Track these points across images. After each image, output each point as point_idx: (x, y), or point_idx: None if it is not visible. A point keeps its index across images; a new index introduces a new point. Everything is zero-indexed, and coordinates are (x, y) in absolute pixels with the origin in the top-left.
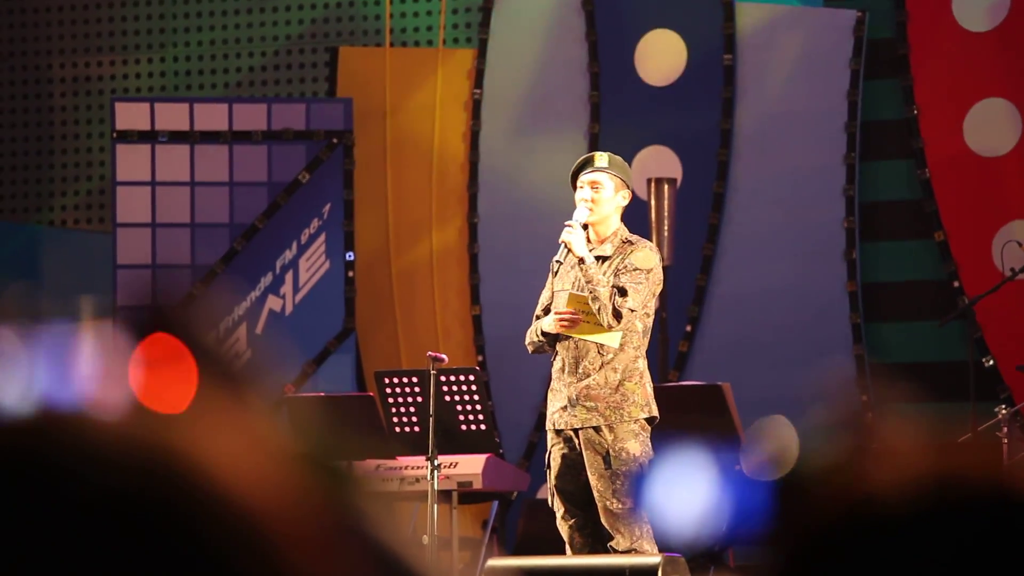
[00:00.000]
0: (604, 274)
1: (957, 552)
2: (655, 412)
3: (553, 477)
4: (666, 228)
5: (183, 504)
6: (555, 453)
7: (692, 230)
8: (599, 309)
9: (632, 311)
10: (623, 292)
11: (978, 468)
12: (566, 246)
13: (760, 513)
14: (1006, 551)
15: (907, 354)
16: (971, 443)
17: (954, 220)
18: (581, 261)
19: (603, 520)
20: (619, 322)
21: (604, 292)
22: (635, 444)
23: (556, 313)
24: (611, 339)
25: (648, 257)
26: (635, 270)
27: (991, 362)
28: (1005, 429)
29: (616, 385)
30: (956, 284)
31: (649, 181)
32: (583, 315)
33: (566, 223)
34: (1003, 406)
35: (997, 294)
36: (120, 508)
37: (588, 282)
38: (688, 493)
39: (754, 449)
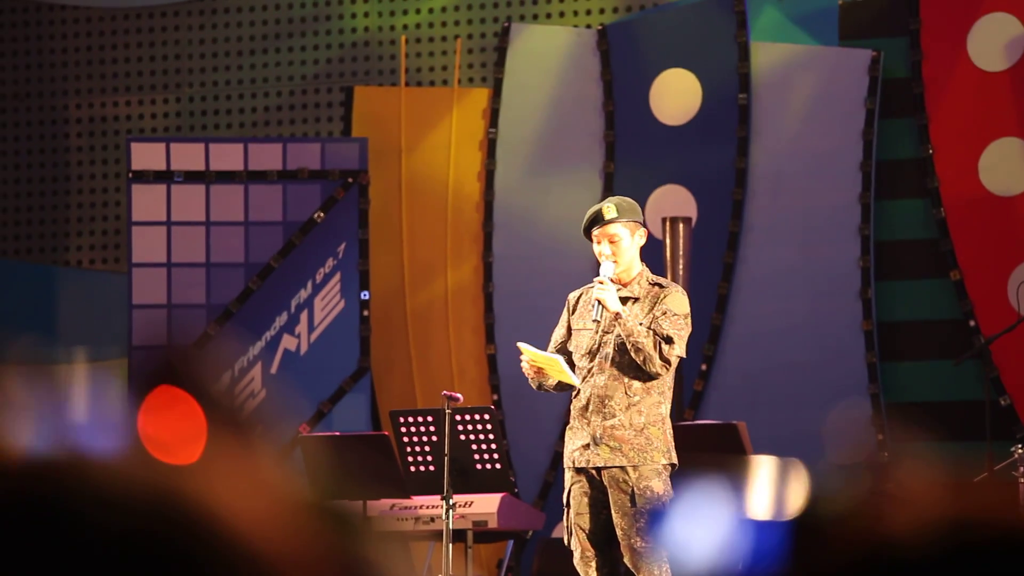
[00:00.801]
0: (637, 319)
1: None
2: (675, 460)
3: (572, 515)
4: (681, 267)
5: (187, 545)
6: (575, 491)
7: (707, 269)
8: (644, 360)
9: (680, 357)
10: (669, 340)
11: (995, 509)
12: (600, 303)
13: (776, 554)
14: None
15: (923, 393)
16: (987, 483)
17: (970, 259)
18: (617, 316)
19: (626, 559)
20: (668, 369)
21: (648, 343)
22: (659, 483)
23: (523, 367)
24: (571, 380)
25: (683, 302)
26: (675, 316)
27: (1007, 401)
28: (1022, 469)
29: (641, 428)
30: (972, 323)
31: (664, 220)
32: (541, 367)
33: (596, 279)
34: (1019, 445)
35: (1013, 333)
36: (125, 550)
37: (628, 336)
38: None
39: (766, 489)
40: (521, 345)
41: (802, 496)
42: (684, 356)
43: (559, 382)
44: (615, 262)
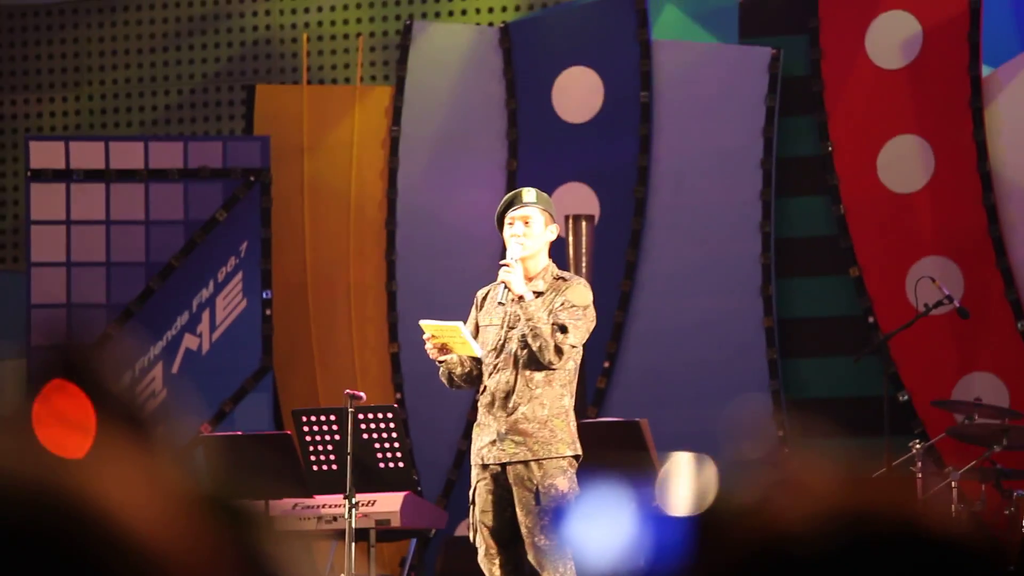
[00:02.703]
0: (539, 309)
1: None
2: (580, 451)
3: (477, 512)
4: (584, 264)
5: (76, 540)
6: (480, 489)
7: (609, 266)
8: (540, 347)
9: (573, 347)
10: (564, 329)
11: (893, 503)
12: (505, 285)
13: (678, 548)
14: None
15: (823, 389)
16: (886, 478)
17: (869, 256)
18: (520, 298)
19: (529, 556)
20: (560, 359)
21: (545, 329)
22: (563, 480)
23: (426, 348)
24: (471, 350)
25: (584, 294)
26: (573, 307)
27: (905, 397)
28: (919, 464)
29: (544, 420)
30: (871, 320)
31: (567, 218)
32: (443, 340)
33: (502, 262)
34: (917, 441)
35: (911, 329)
36: (12, 543)
37: (528, 320)
38: (608, 528)
39: (671, 485)
40: (423, 322)
41: (708, 491)
42: (577, 347)
43: (468, 372)
44: (522, 245)
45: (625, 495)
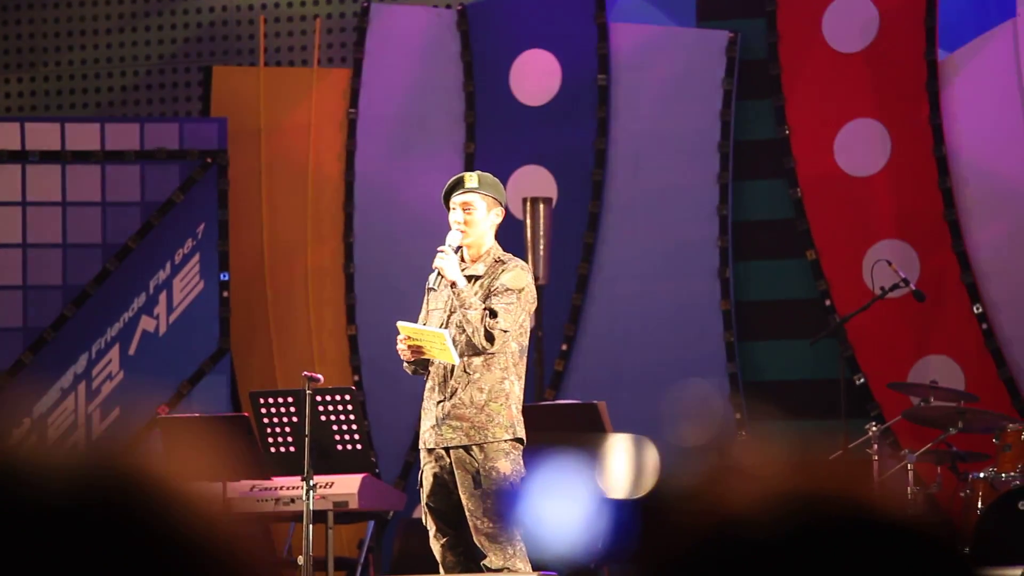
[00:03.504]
0: (476, 295)
1: (826, 571)
2: (520, 434)
3: (425, 496)
4: (542, 247)
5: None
6: (427, 472)
7: (567, 249)
8: (472, 332)
9: (504, 331)
10: (494, 314)
11: (848, 486)
12: (438, 271)
13: (628, 531)
14: (874, 569)
15: (780, 372)
16: (842, 461)
17: (826, 239)
18: (453, 285)
19: (475, 539)
20: (492, 344)
21: (475, 315)
22: (506, 463)
23: (398, 347)
24: (450, 357)
25: (519, 276)
26: (506, 291)
27: (862, 380)
28: (875, 446)
29: (481, 405)
30: (828, 303)
31: (524, 200)
32: (419, 343)
33: (439, 248)
34: (874, 423)
35: (868, 312)
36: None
37: (460, 305)
38: (563, 511)
39: (613, 467)
40: (401, 324)
41: (653, 473)
42: (509, 330)
43: (425, 363)
44: (463, 232)
45: (577, 476)
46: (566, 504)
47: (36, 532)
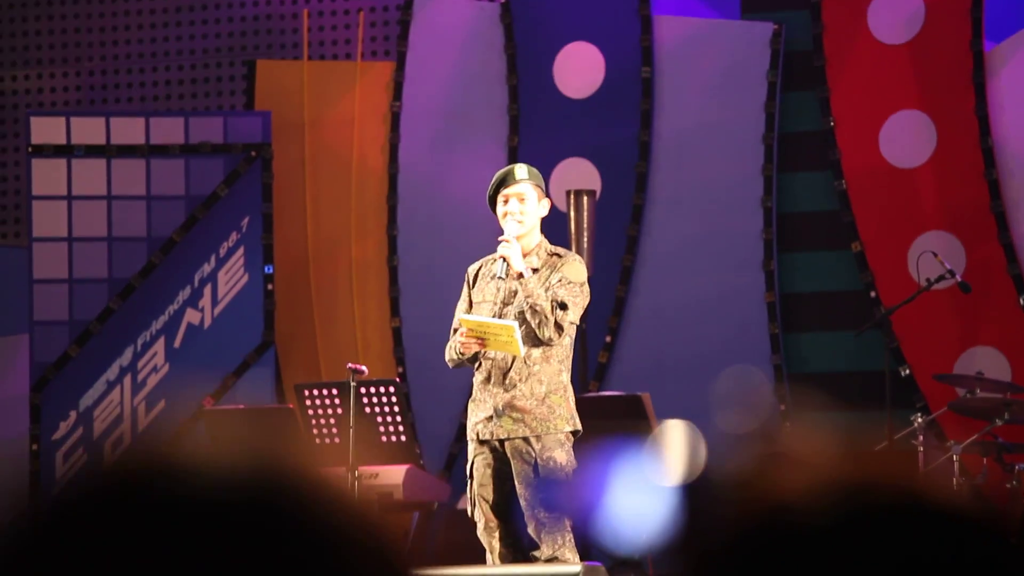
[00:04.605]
0: (536, 286)
1: (872, 560)
2: (579, 426)
3: (476, 486)
4: (585, 240)
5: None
6: (478, 463)
7: (611, 242)
8: (539, 324)
9: (572, 324)
10: (563, 306)
11: (894, 477)
12: (505, 261)
13: (677, 521)
14: (921, 559)
15: (824, 364)
16: (887, 452)
17: (871, 231)
18: (520, 276)
19: (529, 529)
20: (560, 336)
21: (545, 306)
22: (561, 453)
23: (459, 341)
24: (516, 350)
25: (580, 270)
26: (570, 283)
27: (907, 371)
28: (921, 437)
29: (542, 397)
30: (873, 294)
31: (568, 193)
32: (483, 336)
33: (502, 238)
34: (919, 415)
35: (913, 304)
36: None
37: (527, 296)
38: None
39: (662, 454)
40: (464, 318)
41: (702, 460)
42: (577, 323)
43: (475, 356)
44: (520, 222)
45: (625, 467)
46: (614, 496)
47: (201, 527)
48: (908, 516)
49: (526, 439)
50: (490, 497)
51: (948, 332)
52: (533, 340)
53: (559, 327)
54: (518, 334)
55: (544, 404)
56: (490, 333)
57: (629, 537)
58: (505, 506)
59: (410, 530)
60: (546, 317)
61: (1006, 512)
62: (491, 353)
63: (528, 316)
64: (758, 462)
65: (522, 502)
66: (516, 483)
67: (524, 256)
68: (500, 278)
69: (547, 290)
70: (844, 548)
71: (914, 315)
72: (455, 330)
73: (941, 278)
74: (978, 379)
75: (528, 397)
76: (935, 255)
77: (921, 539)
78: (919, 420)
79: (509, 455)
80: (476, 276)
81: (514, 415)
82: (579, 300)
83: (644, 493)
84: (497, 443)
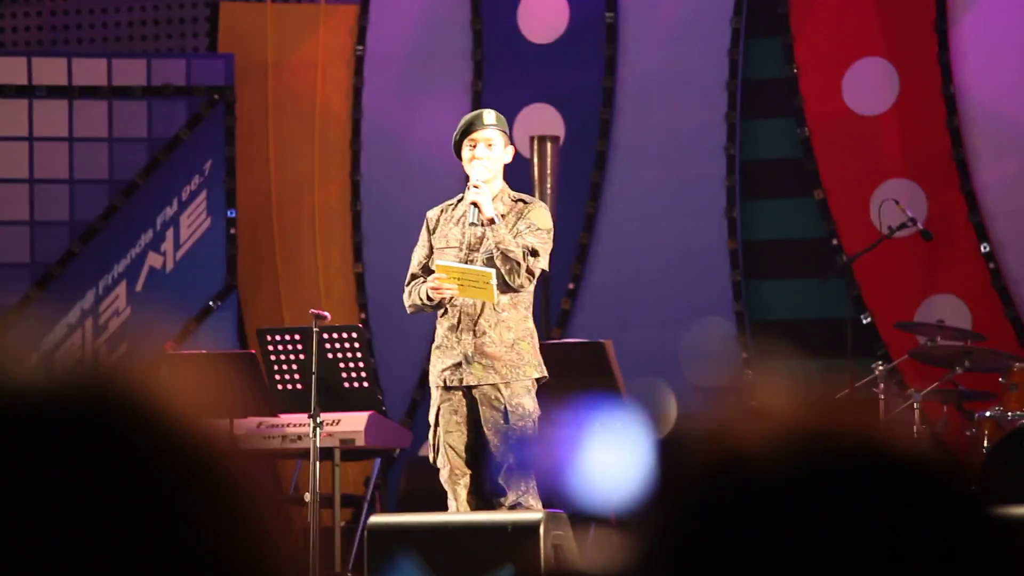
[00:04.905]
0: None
1: (832, 509)
2: (545, 373)
3: (441, 433)
4: (549, 186)
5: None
6: (444, 410)
7: (575, 188)
8: (510, 270)
9: (543, 270)
10: (534, 252)
11: (855, 425)
12: (476, 207)
13: (639, 473)
14: (880, 508)
15: (786, 312)
16: (848, 400)
17: (833, 178)
18: (491, 221)
19: (496, 475)
20: (531, 282)
21: (518, 252)
22: (529, 400)
23: (431, 287)
24: (491, 296)
25: (547, 217)
26: (538, 230)
27: (868, 319)
28: (882, 385)
29: (511, 344)
30: (835, 242)
31: (532, 139)
32: (460, 282)
33: (472, 184)
34: (880, 363)
35: (875, 252)
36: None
37: (499, 243)
38: (573, 450)
39: (636, 409)
40: (440, 263)
41: (670, 416)
42: (547, 270)
43: (440, 302)
44: (487, 168)
45: (589, 417)
46: (576, 444)
47: (21, 434)
48: (868, 464)
49: (495, 385)
50: (457, 444)
51: (909, 280)
52: (503, 286)
53: (530, 273)
54: (494, 280)
55: (513, 350)
56: (466, 279)
57: (594, 488)
58: (471, 453)
59: (371, 477)
60: (518, 263)
61: (966, 460)
62: (458, 300)
63: (499, 263)
64: (722, 413)
65: (491, 449)
66: (485, 430)
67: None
68: (471, 224)
69: (516, 236)
70: (804, 498)
71: (876, 263)
72: (413, 275)
73: (903, 226)
74: (939, 327)
75: (497, 344)
76: (897, 203)
77: (880, 487)
78: (880, 368)
79: (478, 401)
80: (437, 221)
81: (484, 362)
82: (547, 246)
83: (609, 447)
84: (464, 390)
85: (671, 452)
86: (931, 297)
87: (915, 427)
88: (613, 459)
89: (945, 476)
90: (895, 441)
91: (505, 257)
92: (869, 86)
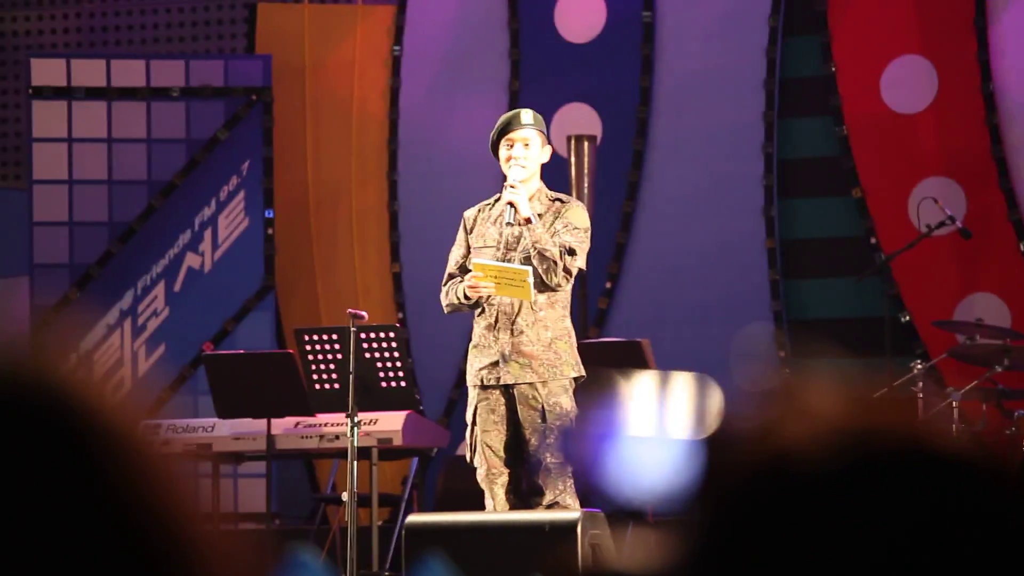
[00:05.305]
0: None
1: (874, 508)
2: (583, 372)
3: (479, 432)
4: (586, 185)
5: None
6: (481, 409)
7: (612, 187)
8: (547, 269)
9: (581, 269)
10: (571, 252)
11: (894, 423)
12: (512, 206)
13: (679, 470)
14: (921, 507)
15: (825, 310)
16: (887, 398)
17: (871, 177)
18: (528, 221)
19: (534, 474)
20: (568, 281)
21: (555, 251)
22: (567, 399)
23: (468, 285)
24: (527, 295)
25: (584, 216)
26: (576, 229)
27: (907, 318)
28: (921, 384)
29: (548, 343)
30: (873, 241)
31: (569, 138)
32: (497, 280)
33: (507, 183)
34: (918, 361)
35: (913, 250)
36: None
37: (536, 242)
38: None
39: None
40: (477, 262)
41: (713, 414)
42: (584, 269)
43: (477, 301)
44: (524, 167)
45: (628, 414)
46: (614, 443)
47: None
48: (909, 464)
49: (532, 384)
50: (494, 443)
51: (948, 278)
52: (540, 285)
53: (568, 272)
54: (531, 279)
55: (551, 349)
56: (503, 278)
57: (631, 485)
58: (508, 453)
59: (409, 476)
60: (555, 263)
61: (1006, 459)
62: (495, 299)
63: (536, 262)
64: (764, 412)
65: (529, 448)
66: (522, 428)
67: (528, 200)
68: (508, 224)
69: (552, 236)
70: (846, 498)
71: (914, 261)
72: (450, 275)
73: (942, 224)
74: (978, 326)
75: (535, 343)
76: (936, 201)
77: (922, 487)
78: (919, 367)
79: (515, 400)
80: (475, 221)
81: (521, 360)
82: (585, 246)
83: (647, 445)
84: (501, 389)
85: (713, 450)
86: (970, 295)
87: (954, 426)
88: (651, 457)
89: (984, 475)
90: (935, 440)
91: (542, 256)
92: (907, 84)
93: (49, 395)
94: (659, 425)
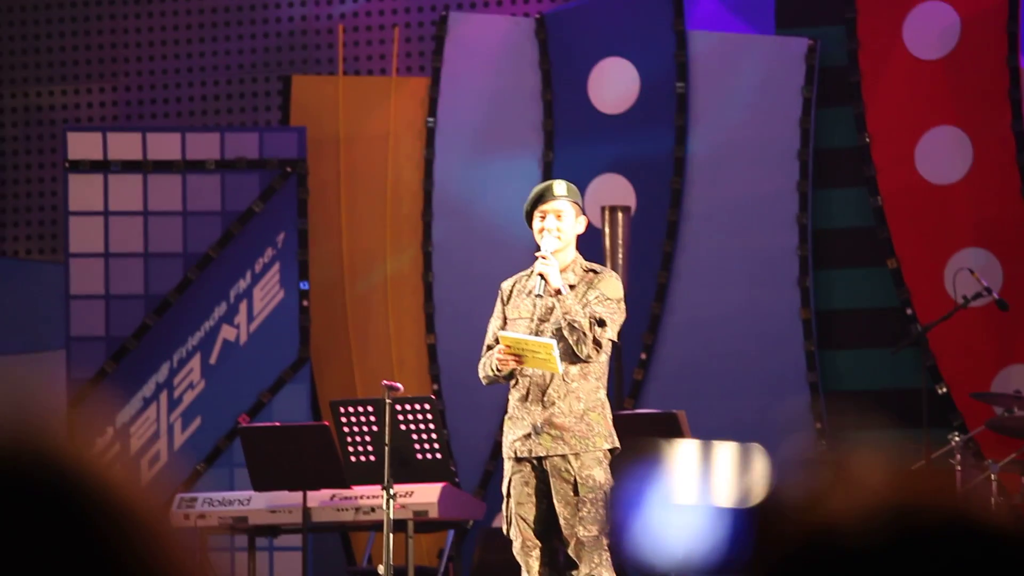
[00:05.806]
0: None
1: None
2: (617, 443)
3: (513, 505)
4: (620, 256)
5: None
6: (516, 481)
7: (646, 258)
8: (577, 340)
9: (611, 341)
10: (602, 323)
11: (933, 496)
12: (543, 278)
13: (722, 542)
14: None
15: (861, 382)
16: (925, 471)
17: (907, 248)
18: (558, 292)
19: (568, 548)
20: (599, 353)
21: (584, 323)
22: (600, 472)
23: (497, 358)
24: (554, 367)
25: (617, 287)
26: (608, 300)
27: (944, 389)
28: (958, 456)
29: (581, 414)
30: (909, 311)
31: (603, 209)
32: (521, 353)
33: (538, 254)
34: (956, 433)
35: (950, 321)
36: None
37: (565, 313)
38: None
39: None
40: (503, 335)
41: (759, 484)
42: (616, 341)
43: (511, 372)
44: (557, 238)
45: (664, 485)
46: (651, 514)
47: None
48: (949, 537)
49: (565, 457)
50: (528, 516)
51: (985, 350)
52: (571, 357)
53: (598, 344)
54: (556, 352)
55: (583, 421)
56: (528, 350)
57: (665, 555)
58: (543, 525)
59: (445, 548)
60: (585, 334)
61: None
62: (528, 370)
63: (566, 333)
64: (807, 483)
65: (561, 521)
66: (555, 502)
67: (560, 272)
68: (537, 295)
69: (584, 307)
70: (892, 572)
71: (951, 333)
72: (488, 347)
73: (978, 295)
74: (1016, 397)
75: (567, 414)
76: (972, 272)
77: (963, 560)
78: (956, 439)
79: (548, 473)
80: (511, 292)
81: (553, 432)
82: (617, 317)
83: (681, 511)
84: (535, 461)
85: (760, 520)
86: (1008, 367)
87: (993, 499)
88: (695, 526)
89: None
90: (974, 513)
91: (572, 327)
92: (942, 155)
93: (63, 477)
94: (704, 493)
